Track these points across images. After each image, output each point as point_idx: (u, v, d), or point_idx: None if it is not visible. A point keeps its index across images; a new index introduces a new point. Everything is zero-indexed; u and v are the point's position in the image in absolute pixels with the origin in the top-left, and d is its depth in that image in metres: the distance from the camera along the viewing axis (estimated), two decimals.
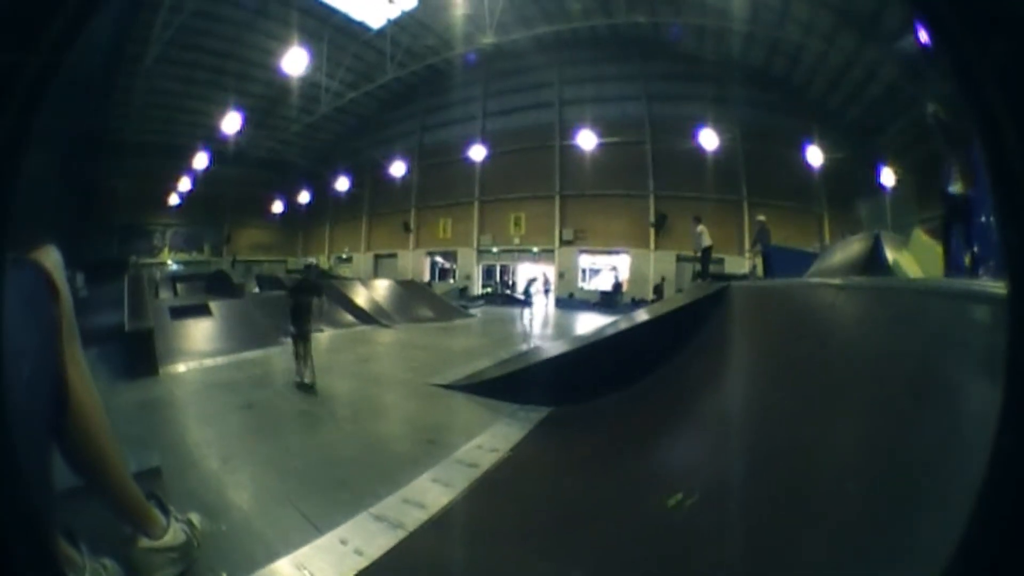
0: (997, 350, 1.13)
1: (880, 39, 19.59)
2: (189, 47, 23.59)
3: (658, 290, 23.77)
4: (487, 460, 5.50)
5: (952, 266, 9.90)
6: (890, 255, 12.66)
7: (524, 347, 12.71)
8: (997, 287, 2.08)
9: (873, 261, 10.41)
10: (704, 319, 7.00)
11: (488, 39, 25.49)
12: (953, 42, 0.95)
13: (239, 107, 26.84)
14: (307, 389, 8.70)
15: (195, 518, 3.13)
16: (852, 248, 11.22)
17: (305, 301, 9.84)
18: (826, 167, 23.71)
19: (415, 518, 4.32)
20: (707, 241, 16.71)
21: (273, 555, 3.86)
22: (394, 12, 25.52)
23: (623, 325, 9.32)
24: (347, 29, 26.02)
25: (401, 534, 4.14)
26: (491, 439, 6.14)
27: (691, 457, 4.70)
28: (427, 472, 5.16)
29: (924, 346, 2.75)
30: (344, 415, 7.73)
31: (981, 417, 1.42)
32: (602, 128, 27.18)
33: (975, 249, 9.40)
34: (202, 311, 13.58)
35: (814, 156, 23.82)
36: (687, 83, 26.45)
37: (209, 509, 4.50)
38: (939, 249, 12.57)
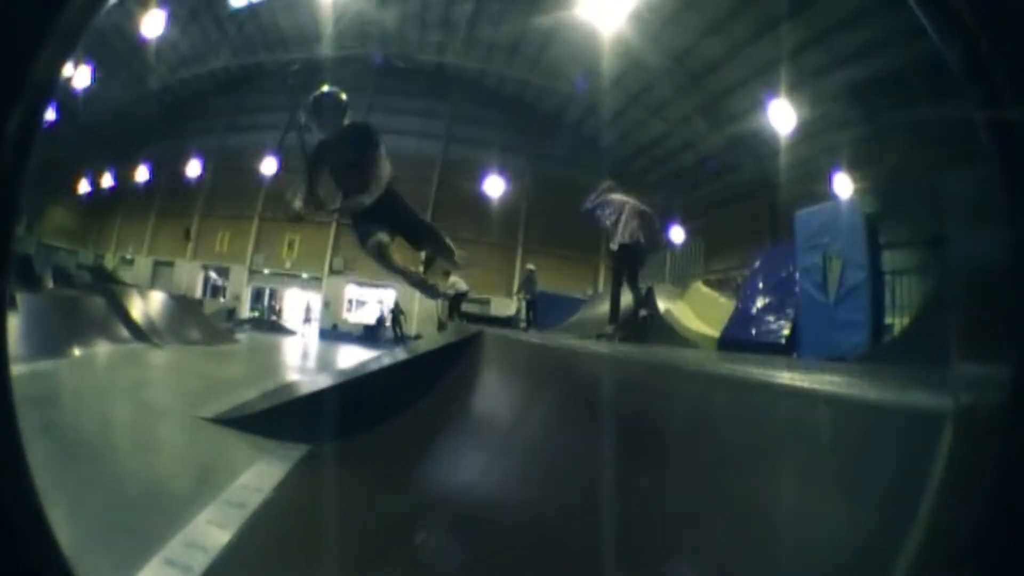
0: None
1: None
2: None
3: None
4: (254, 500, 5.50)
5: (740, 319, 11.22)
6: (662, 304, 13.94)
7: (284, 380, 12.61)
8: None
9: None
10: (459, 361, 7.35)
11: (320, 50, 25.20)
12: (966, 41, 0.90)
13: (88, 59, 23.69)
14: None
15: None
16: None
17: None
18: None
19: (201, 562, 4.29)
20: (462, 286, 16.95)
21: None
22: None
23: (384, 362, 9.51)
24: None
25: None
26: (256, 478, 6.13)
27: (437, 495, 5.03)
28: (203, 513, 5.11)
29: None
30: (101, 449, 7.34)
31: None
32: (397, 160, 27.06)
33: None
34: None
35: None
36: (486, 128, 27.23)
37: None
38: (722, 301, 14.11)
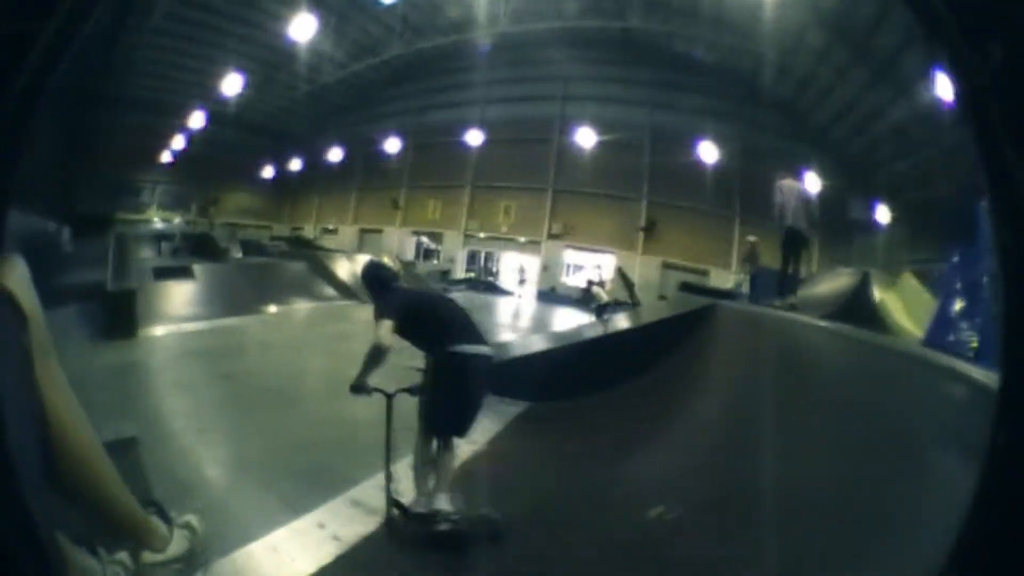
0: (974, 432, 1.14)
1: (895, 81, 19.52)
2: (193, 5, 23.26)
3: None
4: (464, 450, 5.45)
5: (940, 322, 9.96)
6: (877, 294, 12.76)
7: (501, 339, 12.65)
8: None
9: (859, 298, 10.50)
10: (689, 334, 6.99)
11: (498, 27, 25.36)
12: (954, 50, 0.96)
13: (241, 69, 26.50)
14: None
15: (194, 521, 2.71)
16: (839, 280, 11.36)
17: None
18: (821, 196, 23.65)
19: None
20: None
21: (249, 536, 3.84)
22: None
23: (607, 328, 9.30)
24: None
25: (379, 520, 4.13)
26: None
27: (670, 469, 4.72)
28: (405, 459, 5.07)
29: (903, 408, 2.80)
30: (321, 393, 7.66)
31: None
32: (602, 128, 26.90)
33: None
34: (185, 274, 13.44)
35: (811, 184, 23.70)
36: (692, 95, 26.21)
37: (186, 486, 4.47)
38: (927, 297, 12.61)
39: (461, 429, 5.07)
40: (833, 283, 12.56)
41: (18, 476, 1.07)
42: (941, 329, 10.40)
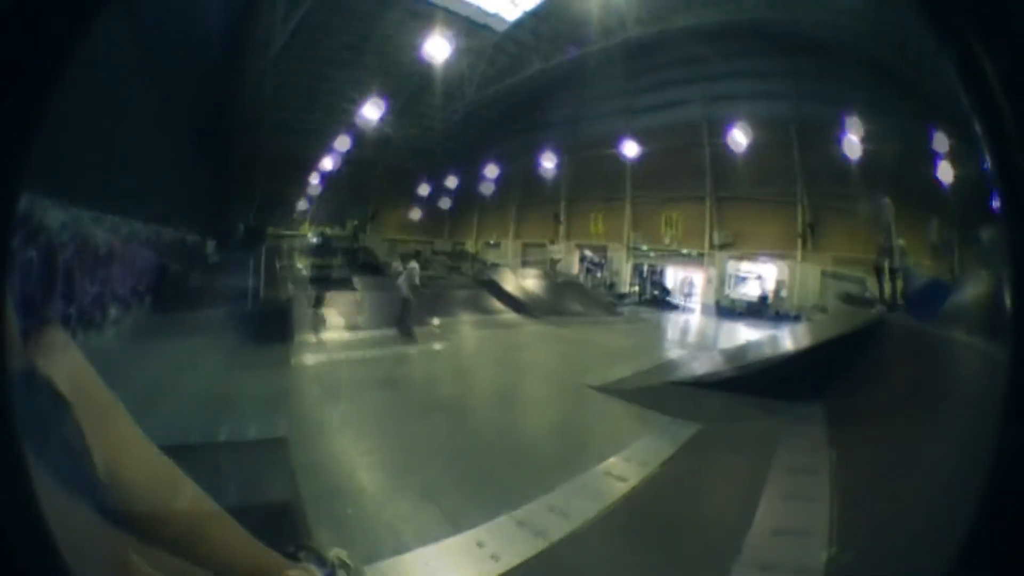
0: None
1: None
2: (319, 32, 24.46)
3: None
4: (635, 474, 5.09)
5: None
6: None
7: (671, 356, 12.12)
8: None
9: None
10: (858, 357, 6.45)
11: (630, 32, 25.19)
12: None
13: (383, 94, 27.47)
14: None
15: (344, 556, 2.24)
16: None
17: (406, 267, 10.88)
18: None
19: (559, 528, 3.99)
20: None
21: (403, 547, 3.66)
22: (520, 9, 25.69)
23: (771, 349, 8.83)
24: (481, 20, 26.06)
25: (542, 543, 3.85)
26: (641, 452, 5.72)
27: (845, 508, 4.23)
28: (574, 479, 4.82)
29: None
30: (487, 404, 7.48)
31: None
32: (749, 126, 25.91)
33: None
34: (345, 285, 13.71)
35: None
36: (835, 82, 24.64)
37: (340, 492, 4.31)
38: None
39: None
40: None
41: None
42: None
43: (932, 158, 21.63)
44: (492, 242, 33.46)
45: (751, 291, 26.12)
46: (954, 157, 21.43)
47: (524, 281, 17.58)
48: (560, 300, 17.26)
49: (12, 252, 0.83)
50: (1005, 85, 0.83)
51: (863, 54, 22.99)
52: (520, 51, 27.95)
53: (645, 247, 29.31)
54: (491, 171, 33.51)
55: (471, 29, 25.84)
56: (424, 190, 34.16)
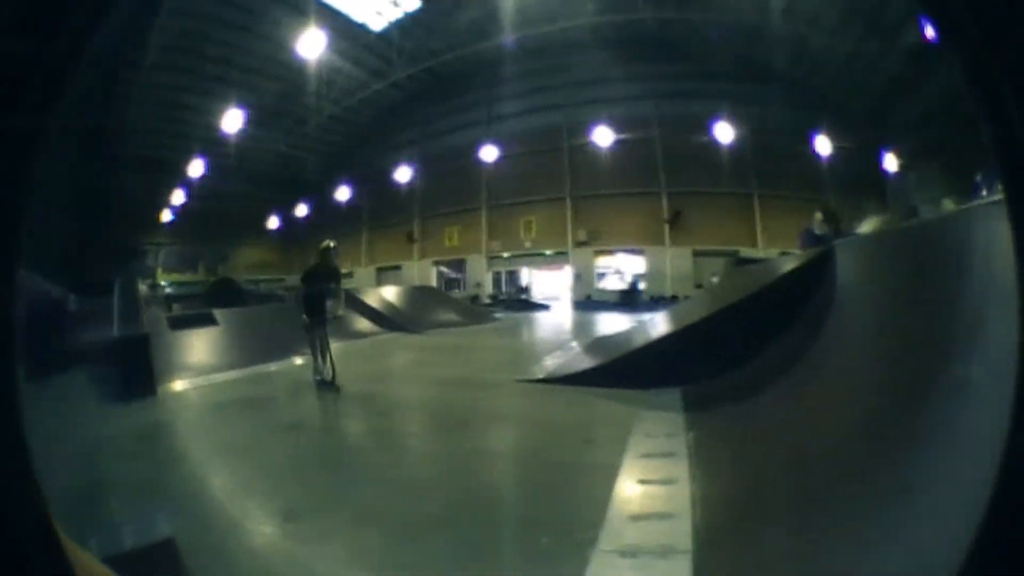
0: None
1: (884, 33, 19.05)
2: (186, 49, 22.77)
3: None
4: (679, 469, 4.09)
5: None
6: None
7: (581, 342, 11.81)
8: None
9: None
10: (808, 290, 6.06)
11: (494, 41, 25.28)
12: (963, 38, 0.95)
13: (242, 105, 26.15)
14: (330, 388, 7.67)
15: None
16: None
17: (319, 288, 9.15)
18: (834, 157, 23.44)
19: None
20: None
21: None
22: (396, 14, 24.90)
23: (704, 310, 8.51)
24: (348, 31, 25.09)
25: None
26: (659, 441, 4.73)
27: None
28: (627, 509, 3.47)
29: None
30: (443, 426, 6.13)
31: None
32: (611, 127, 26.90)
33: None
34: (205, 321, 12.31)
35: (822, 146, 23.68)
36: (694, 80, 25.94)
37: None
38: None
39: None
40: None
41: None
42: None
43: (797, 143, 23.10)
44: (344, 272, 32.14)
45: (618, 283, 26.75)
46: (812, 141, 23.05)
47: (389, 298, 16.78)
48: (433, 313, 16.60)
49: None
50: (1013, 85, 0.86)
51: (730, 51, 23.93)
52: (380, 64, 27.48)
53: (506, 254, 29.28)
54: (342, 194, 32.61)
55: (336, 40, 24.65)
56: (274, 223, 32.91)
